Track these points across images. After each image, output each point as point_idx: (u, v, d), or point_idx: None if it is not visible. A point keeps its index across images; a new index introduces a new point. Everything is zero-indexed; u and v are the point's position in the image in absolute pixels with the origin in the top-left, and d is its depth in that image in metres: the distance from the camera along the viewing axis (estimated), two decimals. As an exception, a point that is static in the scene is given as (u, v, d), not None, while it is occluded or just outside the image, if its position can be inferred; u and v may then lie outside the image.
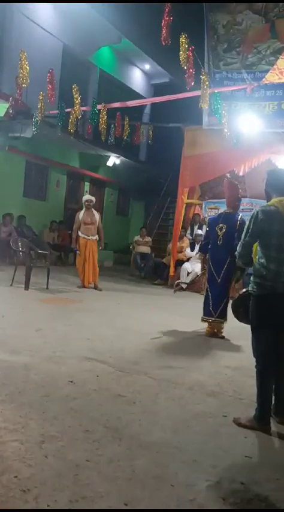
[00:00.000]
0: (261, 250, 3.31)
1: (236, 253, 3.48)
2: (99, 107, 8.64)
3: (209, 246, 6.26)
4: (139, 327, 6.33)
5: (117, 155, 14.19)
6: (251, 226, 3.31)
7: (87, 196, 9.85)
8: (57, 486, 2.31)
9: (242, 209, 11.72)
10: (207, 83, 6.46)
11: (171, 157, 12.48)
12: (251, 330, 3.44)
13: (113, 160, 14.42)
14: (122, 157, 14.39)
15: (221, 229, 6.07)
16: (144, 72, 17.40)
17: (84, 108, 9.32)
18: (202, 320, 6.26)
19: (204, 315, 6.22)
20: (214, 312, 6.11)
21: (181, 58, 6.05)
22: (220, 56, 8.92)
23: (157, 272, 12.01)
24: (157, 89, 17.38)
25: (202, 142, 10.63)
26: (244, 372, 4.45)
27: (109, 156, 14.32)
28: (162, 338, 5.81)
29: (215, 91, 6.82)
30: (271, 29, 8.78)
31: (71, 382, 3.79)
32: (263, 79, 7.29)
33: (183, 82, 6.31)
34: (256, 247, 3.40)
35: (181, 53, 6.05)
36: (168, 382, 4.07)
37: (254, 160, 10.23)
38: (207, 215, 12.82)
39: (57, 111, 8.96)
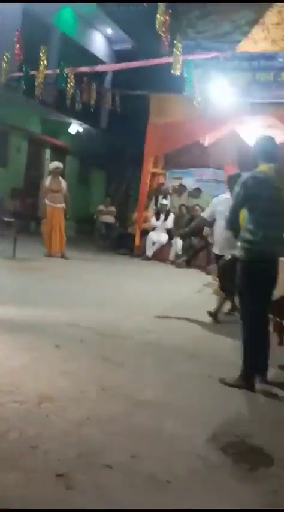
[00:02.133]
0: (250, 217, 3.40)
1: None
2: (66, 70, 8.40)
3: None
4: (106, 290, 6.49)
5: (80, 122, 13.89)
6: (241, 193, 3.38)
7: (55, 163, 9.55)
8: (63, 442, 2.35)
9: (207, 180, 11.99)
10: (179, 49, 6.39)
11: (134, 126, 12.34)
12: (238, 293, 3.56)
13: (76, 127, 14.13)
14: (84, 125, 14.11)
15: None
16: (106, 37, 16.96)
17: (49, 72, 9.04)
18: None
19: None
20: None
21: (157, 22, 5.92)
22: (191, 23, 8.79)
23: (121, 242, 12.00)
24: (119, 55, 17.00)
25: (168, 110, 10.60)
26: (220, 335, 4.67)
27: (71, 123, 14.00)
28: (138, 304, 5.89)
29: (189, 58, 6.77)
30: None
31: (57, 346, 3.79)
32: (237, 47, 7.28)
33: (145, 48, 6.22)
34: (243, 214, 3.48)
35: (157, 16, 5.92)
36: (150, 345, 4.17)
37: (219, 131, 10.30)
38: (170, 185, 12.87)
39: (22, 73, 8.65)
